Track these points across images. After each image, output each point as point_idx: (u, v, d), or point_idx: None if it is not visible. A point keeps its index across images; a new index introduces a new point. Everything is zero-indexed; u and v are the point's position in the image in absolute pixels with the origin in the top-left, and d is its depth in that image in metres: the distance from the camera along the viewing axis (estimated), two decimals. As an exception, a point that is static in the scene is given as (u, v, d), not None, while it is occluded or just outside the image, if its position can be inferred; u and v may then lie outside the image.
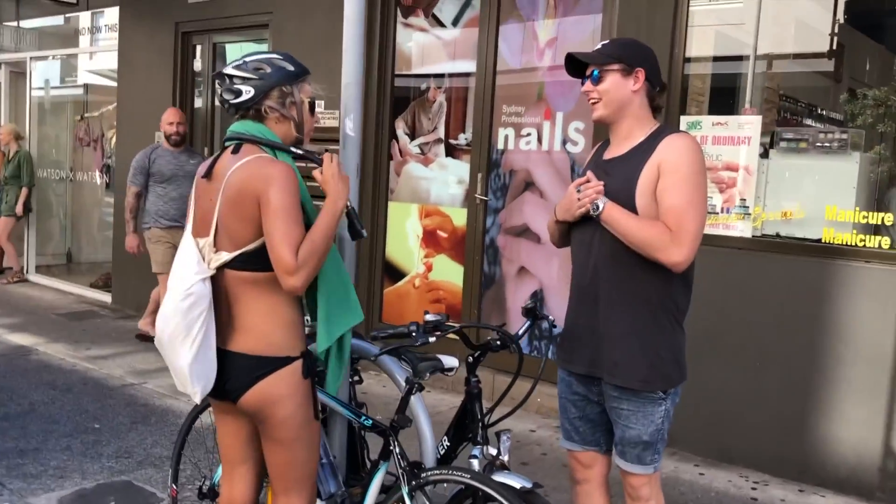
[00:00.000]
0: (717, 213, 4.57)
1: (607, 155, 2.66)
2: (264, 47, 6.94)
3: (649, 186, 2.49)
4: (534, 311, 2.78)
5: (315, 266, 2.26)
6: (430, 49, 5.92)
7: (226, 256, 2.31)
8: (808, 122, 5.52)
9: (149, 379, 5.75)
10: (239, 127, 2.42)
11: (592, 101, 2.60)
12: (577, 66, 2.65)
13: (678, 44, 4.74)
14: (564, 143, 5.27)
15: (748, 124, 4.52)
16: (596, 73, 2.56)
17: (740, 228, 4.51)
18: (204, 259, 2.33)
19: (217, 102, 2.55)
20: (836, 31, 5.82)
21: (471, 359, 2.73)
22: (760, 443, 4.45)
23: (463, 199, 5.74)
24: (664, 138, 2.52)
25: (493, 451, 2.63)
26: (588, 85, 2.60)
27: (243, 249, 2.30)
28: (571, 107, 5.24)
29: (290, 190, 2.25)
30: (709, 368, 4.51)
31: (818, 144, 4.44)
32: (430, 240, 6.02)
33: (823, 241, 4.33)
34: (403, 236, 6.16)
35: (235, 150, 2.36)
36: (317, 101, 2.61)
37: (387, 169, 6.19)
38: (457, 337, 2.72)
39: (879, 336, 4.11)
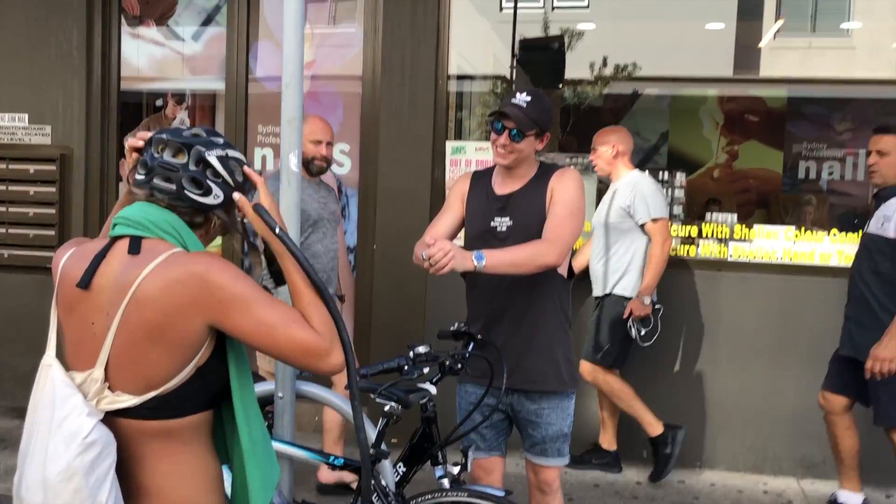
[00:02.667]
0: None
1: (501, 190, 2.99)
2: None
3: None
4: (469, 332, 2.96)
5: (334, 329, 1.72)
6: (166, 63, 5.55)
7: (129, 401, 1.62)
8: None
9: None
10: (140, 213, 1.70)
11: (509, 152, 2.89)
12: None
13: (441, 74, 5.18)
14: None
15: (508, 149, 5.15)
16: (518, 134, 2.87)
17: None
18: (87, 399, 1.62)
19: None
20: (514, 64, 6.85)
21: (428, 383, 2.85)
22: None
23: (216, 222, 5.49)
24: (555, 172, 2.96)
25: (455, 469, 2.80)
26: (505, 139, 2.88)
27: (159, 390, 1.62)
28: (335, 129, 5.36)
29: (236, 274, 1.65)
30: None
31: (564, 167, 5.24)
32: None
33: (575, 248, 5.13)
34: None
35: (134, 249, 1.66)
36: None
37: (115, 191, 5.62)
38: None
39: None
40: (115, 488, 1.59)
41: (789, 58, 8.41)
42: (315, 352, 1.65)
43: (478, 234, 3.00)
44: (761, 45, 7.66)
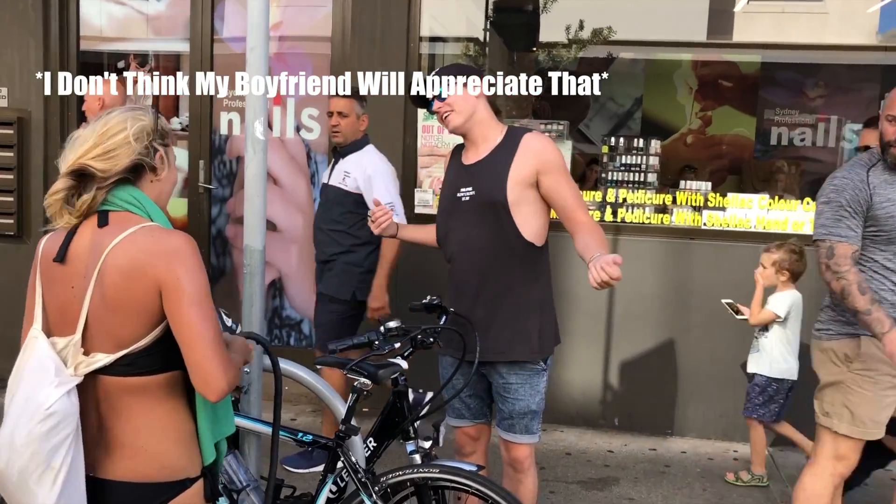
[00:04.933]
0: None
1: (467, 160, 2.94)
2: None
3: (520, 181, 2.82)
4: (441, 304, 2.91)
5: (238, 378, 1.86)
6: (127, 23, 5.35)
7: (103, 359, 1.75)
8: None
9: None
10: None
11: (445, 114, 2.85)
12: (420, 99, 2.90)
13: (413, 37, 5.05)
14: (298, 129, 5.25)
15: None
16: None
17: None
18: (67, 364, 1.76)
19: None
20: (487, 26, 6.72)
21: (399, 357, 2.79)
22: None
23: (182, 188, 5.36)
24: (522, 137, 2.86)
25: (426, 444, 2.75)
26: (436, 104, 2.85)
27: (129, 349, 1.76)
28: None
29: (201, 268, 1.79)
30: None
31: (538, 134, 5.17)
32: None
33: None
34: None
35: (102, 222, 1.79)
36: None
37: (76, 156, 5.44)
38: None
39: (595, 293, 4.98)
40: (72, 455, 1.71)
41: (763, 23, 8.34)
42: (212, 384, 1.74)
43: (444, 207, 2.98)
44: (737, 9, 7.59)
